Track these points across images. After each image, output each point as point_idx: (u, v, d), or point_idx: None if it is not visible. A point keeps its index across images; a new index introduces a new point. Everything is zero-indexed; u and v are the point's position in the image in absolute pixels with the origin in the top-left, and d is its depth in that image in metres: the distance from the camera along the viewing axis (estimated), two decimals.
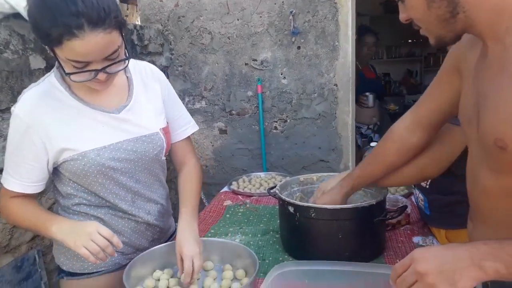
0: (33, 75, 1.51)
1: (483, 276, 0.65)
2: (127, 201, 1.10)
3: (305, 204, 1.13)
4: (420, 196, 1.32)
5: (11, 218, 1.06)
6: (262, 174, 2.09)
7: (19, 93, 1.44)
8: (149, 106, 1.12)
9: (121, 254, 1.14)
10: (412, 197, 1.65)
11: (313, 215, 1.11)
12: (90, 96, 1.03)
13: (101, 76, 0.92)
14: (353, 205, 1.12)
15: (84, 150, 1.01)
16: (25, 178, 1.01)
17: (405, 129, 1.03)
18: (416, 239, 1.29)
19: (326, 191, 1.19)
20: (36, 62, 1.53)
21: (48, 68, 1.58)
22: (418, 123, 1.00)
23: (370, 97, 3.04)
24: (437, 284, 0.66)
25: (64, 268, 1.14)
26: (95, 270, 1.13)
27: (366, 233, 1.14)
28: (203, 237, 1.34)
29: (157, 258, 1.12)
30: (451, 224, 1.21)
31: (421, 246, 1.25)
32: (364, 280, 0.99)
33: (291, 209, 1.16)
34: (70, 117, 1.01)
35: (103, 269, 1.13)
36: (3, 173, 1.03)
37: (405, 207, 1.20)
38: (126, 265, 1.05)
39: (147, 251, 1.12)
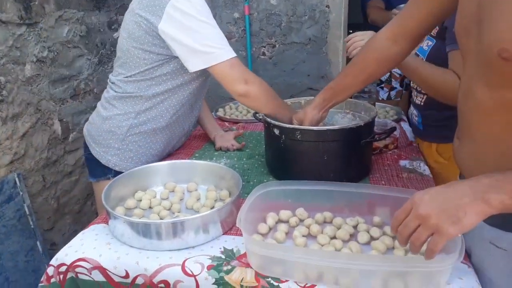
0: None
1: (488, 210, 0.62)
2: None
3: (291, 126, 1.10)
4: (415, 112, 1.39)
5: (269, 95, 1.21)
6: None
7: None
8: None
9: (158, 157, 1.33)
10: (402, 123, 1.64)
11: (298, 137, 1.08)
12: None
13: None
14: (339, 126, 1.09)
15: None
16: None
17: (388, 39, 0.98)
18: (403, 163, 1.29)
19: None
20: None
21: None
22: (403, 33, 0.96)
23: None
24: (440, 224, 0.63)
25: (117, 168, 1.28)
26: None
27: (352, 155, 1.12)
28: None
29: (138, 179, 1.10)
30: (444, 138, 1.29)
31: (408, 169, 1.24)
32: (348, 199, 0.98)
33: (276, 131, 1.12)
34: None
35: None
36: (210, 54, 1.14)
37: (394, 128, 1.17)
38: None
39: (127, 171, 1.10)
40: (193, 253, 0.85)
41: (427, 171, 1.24)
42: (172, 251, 0.85)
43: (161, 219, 0.98)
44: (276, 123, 1.12)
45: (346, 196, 0.98)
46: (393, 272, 0.72)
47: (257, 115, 1.33)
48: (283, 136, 1.11)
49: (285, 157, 1.14)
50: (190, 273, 0.79)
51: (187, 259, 0.82)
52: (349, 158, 1.12)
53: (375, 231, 0.88)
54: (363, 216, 0.96)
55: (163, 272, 0.80)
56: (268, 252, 0.74)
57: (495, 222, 0.78)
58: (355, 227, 0.92)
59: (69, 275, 0.84)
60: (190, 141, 1.52)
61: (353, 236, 0.89)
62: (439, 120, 1.32)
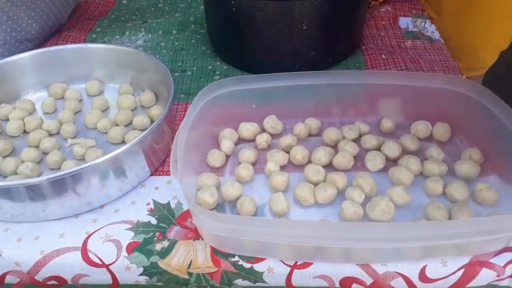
0: None
1: None
2: None
3: None
4: None
5: None
6: None
7: None
8: None
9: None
10: None
11: None
12: None
13: None
14: None
15: None
16: None
17: None
18: (403, 22, 0.95)
19: None
20: None
21: None
22: None
23: None
24: None
25: None
26: None
27: (344, 19, 0.76)
28: (86, 42, 0.90)
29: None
30: None
31: (411, 33, 0.92)
32: (338, 95, 0.67)
33: None
34: None
35: None
36: None
37: None
38: None
39: None
40: (102, 219, 0.53)
41: (437, 34, 0.93)
42: (62, 220, 0.53)
43: (44, 153, 0.62)
44: None
45: (335, 90, 0.66)
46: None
47: None
48: None
49: (241, 29, 0.75)
50: (98, 261, 0.49)
51: (90, 234, 0.51)
52: (339, 25, 0.76)
53: (391, 148, 0.60)
54: (363, 119, 0.67)
55: (50, 264, 0.48)
56: (237, 233, 0.43)
57: None
58: (356, 140, 0.63)
59: None
60: (86, 5, 1.05)
61: (358, 159, 0.60)
62: None
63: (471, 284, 0.48)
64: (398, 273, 0.47)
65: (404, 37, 0.91)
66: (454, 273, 0.47)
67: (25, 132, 0.67)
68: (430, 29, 0.94)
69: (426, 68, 0.80)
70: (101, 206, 0.54)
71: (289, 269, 0.48)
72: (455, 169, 0.58)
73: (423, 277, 0.47)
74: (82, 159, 0.61)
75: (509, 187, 0.55)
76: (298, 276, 0.48)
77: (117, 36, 0.92)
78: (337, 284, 0.48)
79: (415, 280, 0.47)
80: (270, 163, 0.57)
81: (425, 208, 0.52)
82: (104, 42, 0.90)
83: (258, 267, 0.48)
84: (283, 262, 0.48)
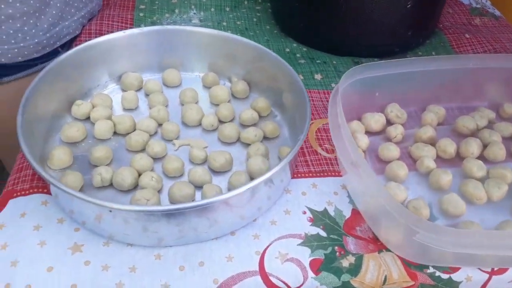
0: None
1: None
2: None
3: None
4: None
5: None
6: None
7: None
8: None
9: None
10: None
11: None
12: None
13: None
14: None
15: None
16: None
17: None
18: None
19: None
20: None
21: None
22: None
23: None
24: None
25: None
26: None
27: None
28: (133, 21, 0.80)
29: (71, 72, 0.60)
30: None
31: (477, 10, 0.91)
32: (449, 79, 0.65)
33: None
34: None
35: None
36: None
37: None
38: None
39: (54, 62, 0.57)
40: (263, 235, 0.47)
41: (497, 10, 0.93)
42: (218, 240, 0.46)
43: (153, 158, 0.54)
44: None
45: (447, 74, 0.64)
46: None
47: None
48: None
49: (338, 6, 0.70)
50: (283, 286, 0.43)
51: (263, 254, 0.45)
52: (435, 2, 0.73)
53: None
54: (471, 104, 0.66)
55: None
56: (457, 247, 0.40)
57: None
58: (487, 127, 0.61)
59: None
60: None
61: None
62: None
63: None
64: None
65: (472, 14, 0.90)
66: None
67: (115, 133, 0.58)
68: (488, 4, 0.94)
69: (511, 48, 0.80)
70: (254, 220, 0.48)
71: (487, 276, 0.45)
72: None
73: None
74: (203, 162, 0.54)
75: None
76: (495, 283, 0.46)
77: (167, 15, 0.83)
78: None
79: None
80: (426, 160, 0.54)
81: None
82: (154, 22, 0.80)
83: (456, 277, 0.45)
84: (481, 270, 0.46)
